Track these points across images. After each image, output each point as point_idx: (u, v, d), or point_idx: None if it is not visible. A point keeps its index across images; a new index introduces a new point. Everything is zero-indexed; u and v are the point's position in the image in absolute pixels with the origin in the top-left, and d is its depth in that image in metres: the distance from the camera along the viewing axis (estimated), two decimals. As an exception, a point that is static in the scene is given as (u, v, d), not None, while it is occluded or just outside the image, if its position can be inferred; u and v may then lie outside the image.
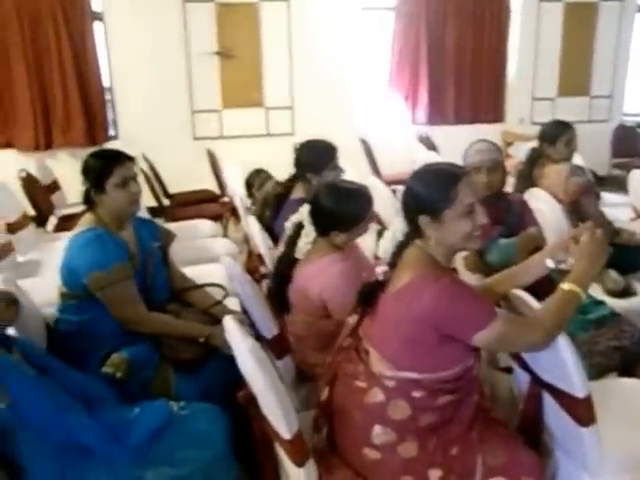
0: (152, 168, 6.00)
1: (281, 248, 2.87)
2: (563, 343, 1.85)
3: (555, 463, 2.10)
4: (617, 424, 2.10)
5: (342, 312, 2.42)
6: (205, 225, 5.13)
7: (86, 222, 2.72)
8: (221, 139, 7.31)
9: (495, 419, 2.11)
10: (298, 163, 3.65)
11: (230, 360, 2.13)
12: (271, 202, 3.76)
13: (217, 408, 2.35)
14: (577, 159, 4.26)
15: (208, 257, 4.14)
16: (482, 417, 2.05)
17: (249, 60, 7.32)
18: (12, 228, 4.39)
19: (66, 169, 5.88)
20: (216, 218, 5.60)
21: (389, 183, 4.83)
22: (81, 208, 2.84)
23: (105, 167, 2.65)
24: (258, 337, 2.44)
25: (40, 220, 5.28)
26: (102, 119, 7.12)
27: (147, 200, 5.34)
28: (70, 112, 6.89)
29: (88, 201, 2.73)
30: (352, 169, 4.02)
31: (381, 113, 7.87)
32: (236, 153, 6.22)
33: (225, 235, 5.47)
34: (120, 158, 2.69)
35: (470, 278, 2.88)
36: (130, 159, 2.72)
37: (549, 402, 2.02)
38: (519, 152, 5.33)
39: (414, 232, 2.01)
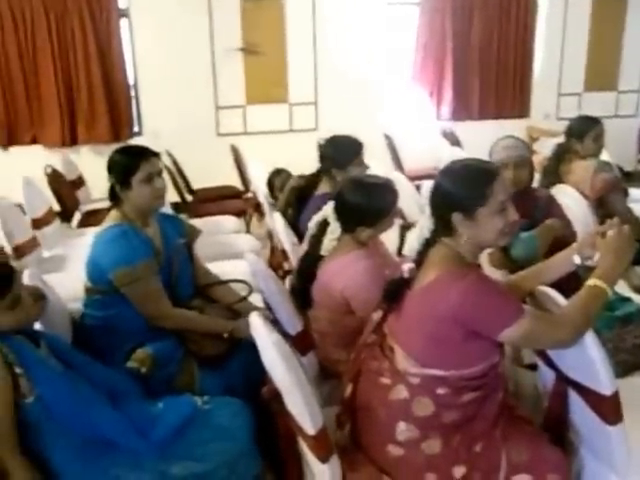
0: (176, 164, 6.03)
1: (305, 246, 2.86)
2: (589, 340, 1.83)
3: (580, 461, 2.07)
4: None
5: (365, 309, 2.41)
6: (228, 221, 5.14)
7: (112, 218, 2.73)
8: (245, 135, 7.32)
9: (520, 416, 2.10)
10: (323, 158, 3.64)
11: (254, 355, 2.14)
12: (294, 197, 3.75)
13: (240, 402, 2.35)
14: (604, 155, 4.22)
15: (231, 253, 4.15)
16: (506, 414, 2.04)
17: (273, 56, 7.31)
18: (38, 224, 4.43)
19: (91, 165, 5.92)
20: (239, 214, 5.61)
21: (413, 179, 4.82)
22: (105, 204, 2.85)
23: (131, 163, 2.66)
24: (282, 333, 2.44)
25: (65, 215, 5.33)
26: (127, 115, 7.15)
27: (170, 196, 5.36)
28: (95, 108, 6.93)
29: (114, 197, 2.75)
30: (376, 164, 4.00)
31: (405, 109, 7.83)
32: (260, 149, 6.23)
33: (248, 231, 5.48)
34: (145, 154, 2.70)
35: (495, 274, 2.85)
36: (155, 155, 2.73)
37: (575, 400, 2.00)
38: (544, 148, 5.28)
39: (443, 230, 1.99)
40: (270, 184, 4.73)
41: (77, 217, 5.54)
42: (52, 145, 6.90)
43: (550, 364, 2.07)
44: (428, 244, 2.02)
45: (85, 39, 6.73)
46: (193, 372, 2.62)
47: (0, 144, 6.86)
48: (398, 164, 6.74)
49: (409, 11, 7.69)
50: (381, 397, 2.01)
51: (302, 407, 1.84)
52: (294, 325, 2.57)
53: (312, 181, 3.73)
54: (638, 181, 6.57)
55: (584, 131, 3.92)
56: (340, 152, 3.52)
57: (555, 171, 3.99)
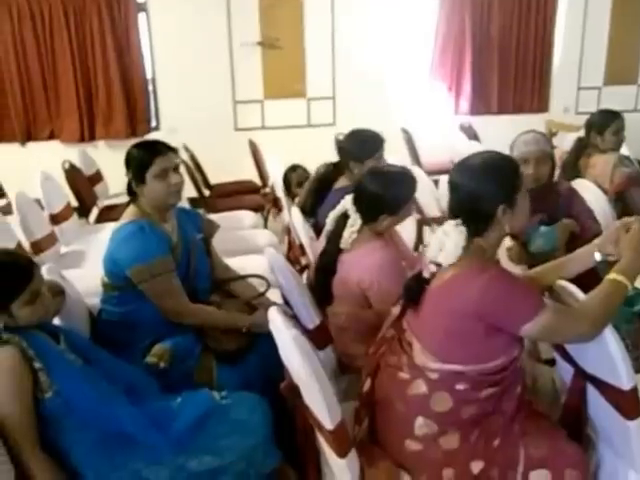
0: (193, 159, 6.03)
1: (323, 241, 2.85)
2: (609, 334, 1.82)
3: (599, 457, 2.06)
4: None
5: (382, 300, 2.44)
6: (246, 216, 5.14)
7: (129, 214, 2.73)
8: (262, 130, 7.31)
9: (537, 412, 2.09)
10: (343, 151, 3.64)
11: (272, 350, 2.14)
12: (315, 188, 3.75)
13: (258, 397, 2.35)
14: (624, 149, 4.19)
15: (249, 248, 4.16)
16: (525, 409, 2.03)
17: (291, 50, 7.29)
18: (56, 219, 4.46)
19: (108, 160, 5.93)
20: (257, 209, 5.61)
21: (430, 173, 4.79)
22: (123, 199, 2.86)
23: (145, 157, 2.66)
24: (299, 328, 2.44)
25: (83, 211, 5.36)
26: (144, 110, 7.16)
27: (188, 191, 5.38)
28: (113, 103, 6.95)
29: (131, 192, 2.75)
30: (393, 159, 3.99)
31: (423, 103, 7.79)
32: (277, 144, 6.23)
33: (266, 226, 5.48)
34: (160, 149, 2.69)
35: (514, 269, 2.84)
36: (172, 150, 2.72)
37: (593, 395, 1.99)
38: (563, 142, 5.26)
39: (479, 230, 1.97)
40: (286, 180, 4.73)
41: (95, 212, 5.57)
42: (70, 140, 6.93)
43: (568, 359, 2.05)
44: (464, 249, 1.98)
45: (103, 34, 6.76)
46: (211, 367, 2.62)
47: (18, 140, 6.90)
48: (416, 159, 6.71)
49: (428, 5, 7.64)
50: (400, 392, 2.01)
51: (320, 402, 1.84)
52: (312, 319, 2.57)
53: (331, 174, 3.73)
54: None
55: (604, 125, 3.90)
56: (361, 146, 3.51)
57: (574, 165, 3.98)
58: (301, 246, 3.52)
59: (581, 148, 4.01)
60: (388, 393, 2.06)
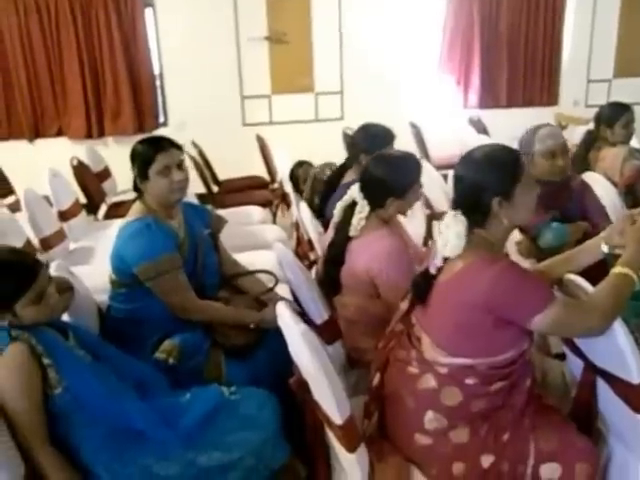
0: (201, 154, 6.03)
1: (330, 233, 2.85)
2: (618, 328, 1.82)
3: (609, 451, 2.06)
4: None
5: (390, 291, 2.47)
6: (255, 211, 5.14)
7: (135, 211, 2.73)
8: (270, 125, 7.31)
9: (547, 405, 2.09)
10: (353, 145, 3.64)
11: (280, 346, 2.14)
12: (322, 188, 3.75)
13: (267, 393, 2.35)
14: (634, 142, 4.17)
15: (258, 244, 4.15)
16: (534, 403, 2.03)
17: (299, 45, 7.28)
18: (64, 216, 4.46)
19: (116, 156, 5.93)
20: (266, 204, 5.61)
21: (439, 168, 4.78)
22: (132, 195, 2.85)
23: (147, 154, 2.65)
24: (308, 323, 2.44)
25: (91, 207, 5.36)
26: (152, 106, 7.16)
27: (197, 187, 5.39)
28: (120, 99, 6.95)
29: (137, 189, 2.75)
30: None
31: (432, 97, 7.77)
32: (286, 139, 6.21)
33: (274, 222, 5.48)
34: (163, 145, 2.67)
35: (523, 263, 2.83)
36: (175, 146, 2.70)
37: (603, 389, 1.98)
38: (573, 135, 5.23)
39: (477, 221, 1.97)
40: (293, 176, 4.73)
41: (103, 209, 5.57)
42: (78, 137, 6.94)
43: (578, 353, 2.05)
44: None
45: (110, 29, 6.75)
46: (220, 363, 2.62)
47: (26, 136, 6.91)
48: (425, 153, 6.69)
49: (436, -2, 7.62)
50: (409, 386, 2.01)
51: (329, 397, 1.84)
52: (321, 314, 2.57)
53: (339, 172, 3.73)
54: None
55: (614, 118, 3.88)
56: (372, 140, 3.52)
57: (584, 158, 3.96)
58: (309, 241, 3.51)
59: (591, 141, 4.00)
60: (397, 387, 2.05)
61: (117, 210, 5.23)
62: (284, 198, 4.91)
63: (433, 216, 3.94)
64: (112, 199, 5.69)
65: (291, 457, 2.31)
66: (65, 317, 2.48)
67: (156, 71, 7.18)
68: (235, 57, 7.18)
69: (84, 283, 2.77)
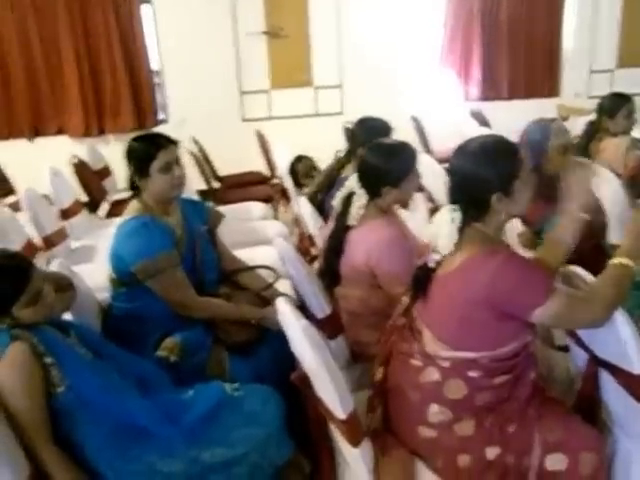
0: (202, 151, 6.02)
1: (331, 225, 2.86)
2: (620, 319, 1.82)
3: (614, 441, 2.06)
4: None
5: (390, 282, 2.49)
6: (256, 207, 5.13)
7: (132, 209, 2.73)
8: (270, 120, 7.27)
9: (552, 397, 2.09)
10: (352, 138, 3.65)
11: (283, 341, 2.14)
12: (323, 186, 3.76)
13: (270, 389, 2.35)
14: (636, 132, 4.16)
15: (259, 239, 4.15)
16: (539, 395, 2.02)
17: (297, 39, 7.25)
18: (66, 214, 4.46)
19: (117, 154, 5.85)
20: (267, 200, 5.59)
21: (441, 161, 4.76)
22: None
23: (149, 151, 2.65)
24: (310, 318, 2.43)
25: (92, 206, 5.33)
26: (151, 103, 7.15)
27: (197, 183, 5.38)
28: (119, 97, 6.93)
29: (134, 187, 2.75)
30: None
31: (433, 90, 7.74)
32: (285, 134, 6.19)
33: (276, 217, 5.47)
34: (163, 142, 2.69)
35: (525, 255, 2.82)
36: (173, 143, 2.72)
37: (607, 380, 1.98)
38: (575, 126, 5.21)
39: (475, 215, 1.96)
40: (293, 171, 4.72)
41: (105, 207, 5.54)
42: (78, 135, 6.92)
43: (582, 345, 2.05)
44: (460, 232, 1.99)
45: (107, 26, 6.73)
46: (223, 359, 2.62)
47: (26, 135, 6.89)
48: (426, 146, 6.68)
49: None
50: (412, 379, 2.00)
51: (332, 392, 1.84)
52: (323, 309, 2.56)
53: (341, 165, 3.74)
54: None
55: (615, 108, 3.90)
56: (370, 134, 3.50)
57: (586, 149, 3.96)
58: (310, 237, 3.51)
59: (592, 132, 4.01)
60: (400, 381, 2.05)
61: (118, 208, 5.17)
62: (284, 193, 4.90)
63: (436, 209, 3.92)
64: (113, 197, 5.67)
65: (295, 453, 2.31)
66: (67, 316, 2.48)
67: (155, 68, 7.16)
68: (233, 52, 7.15)
69: (86, 282, 2.76)
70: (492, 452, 1.91)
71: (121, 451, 2.05)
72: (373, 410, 2.12)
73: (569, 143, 3.01)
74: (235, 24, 7.07)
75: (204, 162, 5.97)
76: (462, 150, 2.01)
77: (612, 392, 1.97)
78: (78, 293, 2.52)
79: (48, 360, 1.99)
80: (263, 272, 3.02)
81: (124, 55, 6.83)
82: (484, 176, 1.91)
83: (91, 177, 5.44)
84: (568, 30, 7.91)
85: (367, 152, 2.71)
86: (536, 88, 7.98)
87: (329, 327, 2.55)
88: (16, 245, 3.44)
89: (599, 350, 1.97)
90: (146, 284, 2.62)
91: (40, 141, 6.95)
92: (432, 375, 1.96)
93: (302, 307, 2.53)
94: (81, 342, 2.20)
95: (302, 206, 3.45)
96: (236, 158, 6.39)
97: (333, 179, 3.70)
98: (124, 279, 2.69)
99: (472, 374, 1.92)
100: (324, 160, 4.21)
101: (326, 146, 4.16)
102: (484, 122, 6.93)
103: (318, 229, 3.32)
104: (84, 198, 5.20)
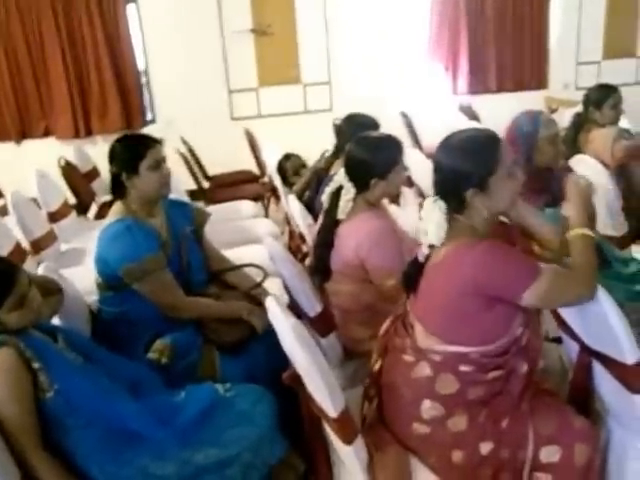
0: (191, 150, 6.00)
1: (320, 221, 2.86)
2: (611, 309, 1.83)
3: (607, 431, 2.07)
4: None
5: (380, 270, 2.52)
6: (246, 206, 5.12)
7: (115, 212, 2.73)
8: (259, 118, 7.26)
9: (545, 389, 2.09)
10: (339, 135, 3.65)
11: (275, 341, 2.12)
12: (315, 179, 3.77)
13: (262, 389, 2.35)
14: (623, 122, 4.19)
15: (250, 238, 4.13)
16: (532, 388, 2.02)
17: (285, 36, 7.22)
18: (54, 217, 4.43)
19: (105, 155, 5.83)
20: (257, 199, 5.60)
21: (431, 156, 4.76)
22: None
23: (138, 150, 2.66)
24: (301, 316, 2.43)
25: (81, 208, 5.32)
26: (139, 103, 7.12)
27: (187, 183, 5.36)
28: (106, 97, 6.90)
29: (116, 189, 2.74)
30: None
31: (421, 85, 7.73)
32: (274, 132, 6.18)
33: (266, 216, 5.46)
34: (150, 142, 2.70)
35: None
36: (159, 142, 2.73)
37: (599, 370, 1.99)
38: (562, 119, 5.23)
39: (455, 207, 1.96)
40: (281, 170, 4.71)
41: (94, 209, 5.52)
42: (65, 137, 6.89)
43: (573, 336, 2.05)
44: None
45: (92, 27, 6.69)
46: (214, 360, 2.61)
47: (13, 138, 6.87)
48: (416, 141, 6.68)
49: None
50: (404, 375, 2.00)
51: (323, 390, 1.83)
52: (314, 307, 2.56)
53: (329, 163, 3.74)
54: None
55: (602, 99, 3.93)
56: (357, 129, 3.50)
57: (574, 141, 3.97)
58: (300, 234, 3.50)
59: (580, 123, 4.03)
60: (394, 376, 2.05)
61: (108, 210, 5.15)
62: (275, 192, 4.89)
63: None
64: (102, 198, 5.63)
65: (289, 452, 2.31)
66: (56, 320, 2.47)
67: (141, 67, 7.12)
68: (220, 51, 7.12)
69: (75, 285, 2.74)
70: (486, 447, 1.91)
71: (113, 455, 2.04)
72: (370, 400, 2.13)
73: (558, 133, 3.00)
74: (221, 22, 7.03)
75: (193, 162, 5.96)
76: (443, 144, 2.03)
77: (605, 382, 1.98)
78: (67, 297, 2.50)
79: (36, 365, 1.97)
80: (252, 271, 3.01)
81: (110, 55, 6.79)
82: (459, 171, 1.92)
83: (79, 179, 5.42)
84: (554, 22, 7.91)
85: (354, 145, 2.72)
86: (524, 80, 7.97)
87: (321, 325, 2.56)
88: (4, 249, 3.42)
89: (591, 341, 1.97)
90: (133, 287, 2.61)
91: (27, 144, 6.93)
92: (424, 370, 1.96)
93: (293, 306, 2.52)
94: (69, 346, 2.18)
95: (291, 204, 3.45)
96: (225, 157, 6.39)
97: (321, 177, 3.70)
98: (110, 283, 2.68)
99: (464, 368, 1.91)
100: (315, 157, 4.20)
101: (317, 143, 4.15)
102: (473, 116, 6.96)
103: (307, 227, 3.31)
104: (72, 200, 5.17)
